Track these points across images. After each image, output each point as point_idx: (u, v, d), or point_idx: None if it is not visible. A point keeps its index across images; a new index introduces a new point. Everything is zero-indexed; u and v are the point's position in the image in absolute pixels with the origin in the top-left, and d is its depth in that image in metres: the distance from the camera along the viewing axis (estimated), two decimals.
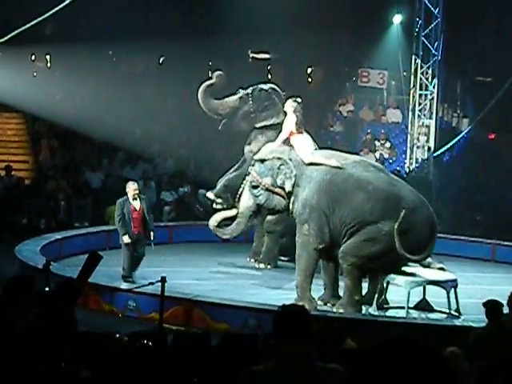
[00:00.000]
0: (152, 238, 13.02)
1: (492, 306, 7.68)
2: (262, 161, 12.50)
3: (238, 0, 21.55)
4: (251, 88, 15.67)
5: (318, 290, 12.30)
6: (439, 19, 21.83)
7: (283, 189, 12.19)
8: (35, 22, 15.33)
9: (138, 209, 13.01)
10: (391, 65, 23.03)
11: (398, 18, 23.63)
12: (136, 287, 11.11)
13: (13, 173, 19.43)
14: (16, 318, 3.66)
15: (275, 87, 15.89)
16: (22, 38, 16.16)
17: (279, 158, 12.28)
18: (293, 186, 12.10)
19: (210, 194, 15.46)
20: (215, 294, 12.23)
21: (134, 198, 13.06)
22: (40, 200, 18.50)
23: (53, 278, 10.82)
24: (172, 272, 12.53)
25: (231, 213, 13.18)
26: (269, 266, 15.37)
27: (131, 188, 13.17)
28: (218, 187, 15.44)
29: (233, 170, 16.03)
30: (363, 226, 11.50)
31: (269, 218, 15.55)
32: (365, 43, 24.05)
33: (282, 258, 15.92)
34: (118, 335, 5.51)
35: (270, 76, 26.57)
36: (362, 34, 23.76)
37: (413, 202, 11.63)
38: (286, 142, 12.76)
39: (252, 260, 15.78)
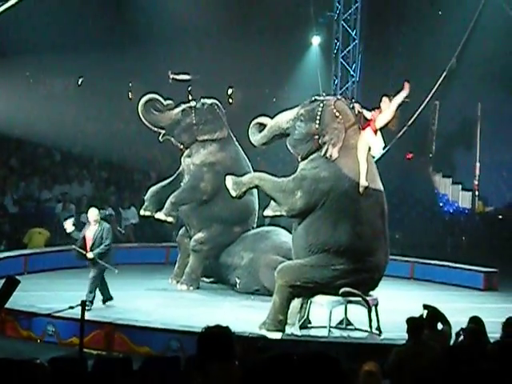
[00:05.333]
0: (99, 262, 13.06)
1: (413, 323, 7.79)
2: (331, 110, 11.68)
3: (157, 21, 21.56)
4: (194, 101, 15.79)
5: None
6: (357, 41, 22.24)
7: (319, 146, 11.59)
8: None
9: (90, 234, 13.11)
10: (311, 85, 23.30)
11: (316, 40, 23.96)
12: (55, 312, 10.88)
13: None
14: None
15: (218, 103, 15.97)
16: None
17: (339, 123, 11.55)
18: (334, 153, 11.43)
19: (161, 215, 15.24)
20: (136, 316, 12.07)
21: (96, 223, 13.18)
22: None
23: None
24: None
25: None
26: (191, 288, 15.29)
27: (91, 214, 13.30)
28: (166, 206, 15.16)
29: (167, 182, 15.89)
30: (323, 250, 11.33)
31: (196, 236, 15.49)
32: (284, 64, 24.27)
33: (205, 279, 15.87)
34: (38, 361, 5.38)
35: (190, 97, 26.55)
36: (282, 55, 23.98)
37: (376, 265, 11.48)
38: (362, 123, 11.73)
39: (174, 281, 15.67)
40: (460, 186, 25.70)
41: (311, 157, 11.72)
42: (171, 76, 26.56)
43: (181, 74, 26.62)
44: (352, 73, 22.56)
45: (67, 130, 21.41)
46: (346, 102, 12.02)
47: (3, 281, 6.12)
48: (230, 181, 12.01)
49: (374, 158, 11.86)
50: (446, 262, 18.36)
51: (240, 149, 15.79)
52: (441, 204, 25.38)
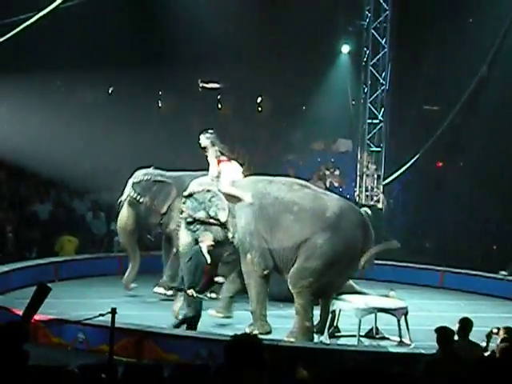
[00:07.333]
0: None
1: (443, 333, 7.73)
2: (192, 195, 12.48)
3: (187, 30, 21.64)
4: (130, 188, 15.45)
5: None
6: (386, 49, 22.16)
7: (218, 220, 12.24)
8: None
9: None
10: (340, 93, 23.27)
11: (346, 48, 23.97)
12: (85, 319, 10.93)
13: None
14: None
15: (148, 170, 15.79)
16: None
17: (209, 191, 12.38)
18: (227, 216, 12.20)
19: (170, 292, 15.26)
20: (166, 324, 12.10)
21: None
22: None
23: (0, 311, 10.66)
24: (122, 303, 12.43)
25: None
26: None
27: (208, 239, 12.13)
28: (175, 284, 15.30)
29: (164, 253, 15.77)
30: (299, 246, 11.71)
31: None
32: (314, 72, 24.27)
33: None
34: (69, 368, 5.43)
35: (219, 105, 26.64)
36: (312, 63, 23.98)
37: (339, 209, 11.92)
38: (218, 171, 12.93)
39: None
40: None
41: (229, 236, 12.26)
42: (201, 84, 26.66)
43: (210, 82, 26.72)
44: (382, 81, 22.43)
45: (97, 139, 21.52)
46: (197, 182, 12.85)
47: (35, 288, 6.16)
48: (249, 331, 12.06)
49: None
50: (477, 271, 18.22)
51: (190, 174, 15.03)
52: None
